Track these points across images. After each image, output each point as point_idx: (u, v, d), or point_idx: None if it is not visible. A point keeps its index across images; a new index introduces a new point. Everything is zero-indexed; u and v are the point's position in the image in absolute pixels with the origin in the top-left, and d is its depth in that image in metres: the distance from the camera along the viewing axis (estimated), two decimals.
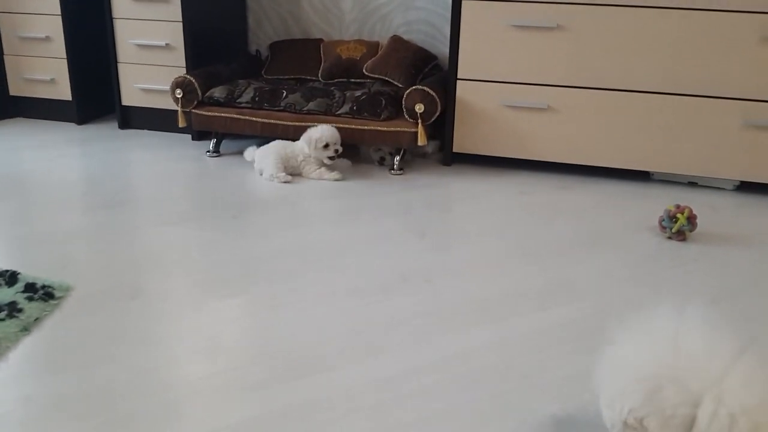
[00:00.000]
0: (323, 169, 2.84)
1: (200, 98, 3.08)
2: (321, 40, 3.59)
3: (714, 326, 1.12)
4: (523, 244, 2.24)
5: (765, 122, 2.63)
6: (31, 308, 1.72)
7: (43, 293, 1.79)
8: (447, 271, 2.02)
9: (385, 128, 2.88)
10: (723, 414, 1.02)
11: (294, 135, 2.96)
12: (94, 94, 3.72)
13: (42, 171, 2.86)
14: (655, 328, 1.17)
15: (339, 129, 2.90)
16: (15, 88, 3.65)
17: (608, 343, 1.21)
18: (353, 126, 2.90)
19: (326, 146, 2.80)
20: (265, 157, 2.83)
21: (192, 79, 3.05)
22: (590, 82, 2.76)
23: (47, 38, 3.49)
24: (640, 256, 2.16)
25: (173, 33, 3.30)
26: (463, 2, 2.80)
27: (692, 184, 2.86)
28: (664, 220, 2.29)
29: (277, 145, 2.86)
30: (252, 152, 2.92)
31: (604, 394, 1.18)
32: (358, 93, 3.01)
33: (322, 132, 2.80)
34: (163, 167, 2.96)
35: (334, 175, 2.82)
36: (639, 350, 1.14)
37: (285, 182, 2.78)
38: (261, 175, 2.84)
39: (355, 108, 2.92)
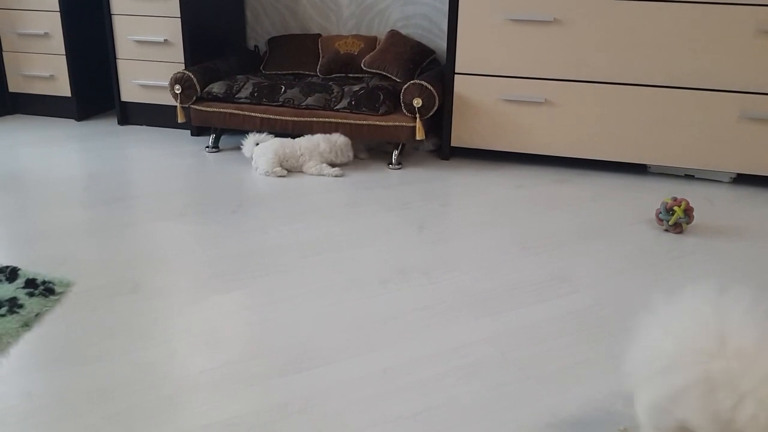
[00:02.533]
0: (324, 165, 2.85)
1: (199, 94, 3.08)
2: (319, 35, 3.59)
3: (759, 317, 1.05)
4: (521, 237, 2.25)
5: (762, 115, 2.64)
6: (31, 304, 1.74)
7: (43, 289, 1.80)
8: (445, 265, 2.04)
9: (384, 123, 2.89)
10: (764, 418, 0.97)
11: (293, 130, 2.97)
12: (93, 90, 3.72)
13: (42, 167, 2.87)
14: (695, 315, 1.08)
15: (337, 124, 2.92)
16: (14, 85, 3.65)
17: (637, 327, 1.13)
18: (351, 121, 2.91)
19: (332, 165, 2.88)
20: (262, 154, 2.84)
21: (191, 74, 3.06)
22: (587, 76, 2.77)
23: (46, 35, 3.49)
24: (637, 249, 2.17)
25: (171, 29, 3.30)
26: None
27: (689, 176, 2.87)
28: (661, 212, 2.30)
29: (276, 143, 2.86)
30: (251, 147, 2.92)
31: (646, 396, 1.09)
32: (356, 88, 3.02)
33: (331, 146, 2.87)
34: (162, 163, 2.97)
35: (335, 171, 2.83)
36: (681, 343, 1.05)
37: (280, 176, 2.79)
38: (256, 170, 2.85)
39: (353, 103, 2.92)
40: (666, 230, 2.31)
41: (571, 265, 2.05)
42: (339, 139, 2.88)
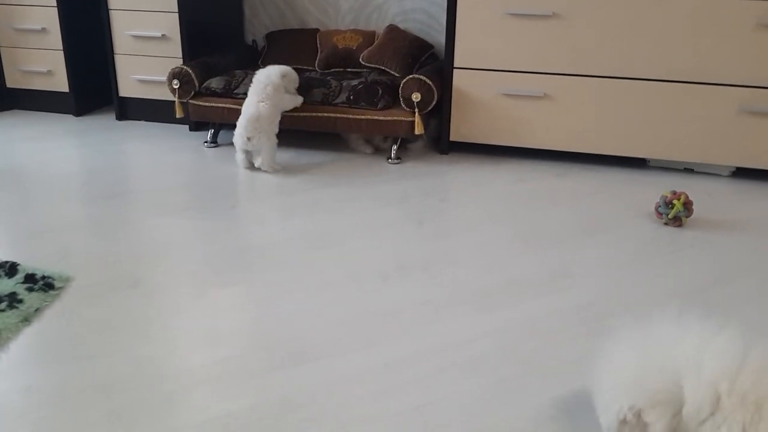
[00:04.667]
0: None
1: (197, 89, 3.07)
2: (317, 29, 3.58)
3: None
4: (521, 231, 2.25)
5: (760, 108, 2.63)
6: (31, 299, 1.73)
7: (43, 284, 1.80)
8: (445, 259, 2.04)
9: (382, 117, 2.88)
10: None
11: (291, 125, 2.96)
12: (91, 85, 3.71)
13: (40, 163, 2.87)
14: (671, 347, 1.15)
15: (336, 118, 2.91)
16: (12, 80, 3.64)
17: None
18: (350, 115, 2.91)
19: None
20: (267, 136, 2.77)
21: (189, 69, 3.05)
22: (586, 70, 2.77)
23: (43, 30, 3.48)
24: (637, 242, 2.17)
25: (169, 24, 3.29)
26: None
27: (688, 170, 2.87)
28: (660, 206, 2.30)
29: (269, 113, 2.78)
30: (241, 139, 2.76)
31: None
32: (354, 82, 3.01)
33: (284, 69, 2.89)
34: (160, 158, 2.97)
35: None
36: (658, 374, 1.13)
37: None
38: (257, 165, 2.81)
39: (351, 97, 2.92)
40: (665, 224, 2.31)
41: (571, 259, 2.05)
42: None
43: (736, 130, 2.68)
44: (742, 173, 2.82)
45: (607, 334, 1.62)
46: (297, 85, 2.95)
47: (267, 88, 2.79)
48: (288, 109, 2.90)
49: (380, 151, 3.08)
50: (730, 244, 2.18)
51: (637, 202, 2.51)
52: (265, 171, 2.79)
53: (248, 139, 2.74)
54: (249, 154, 2.82)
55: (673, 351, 1.12)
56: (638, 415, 1.09)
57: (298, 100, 2.92)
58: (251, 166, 2.83)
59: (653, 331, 1.18)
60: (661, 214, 2.30)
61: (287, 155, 3.00)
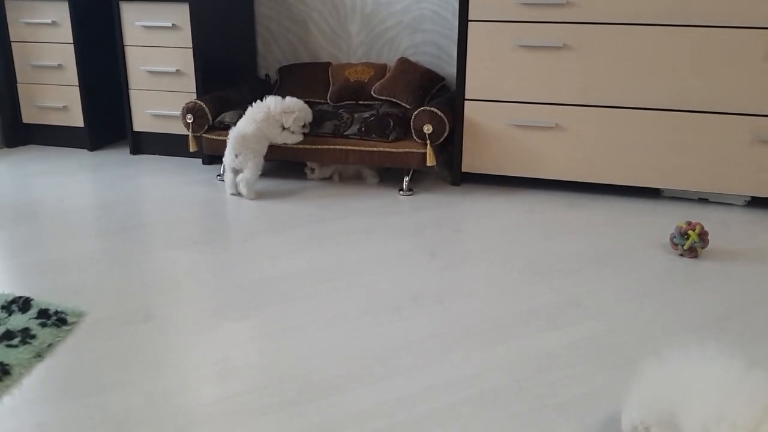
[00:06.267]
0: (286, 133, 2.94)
1: (211, 123, 3.10)
2: (329, 63, 3.62)
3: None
4: (534, 263, 2.24)
5: None
6: (44, 334, 1.73)
7: (56, 319, 1.80)
8: (458, 291, 2.02)
9: (394, 149, 2.89)
10: None
11: (303, 157, 2.98)
12: (105, 120, 3.76)
13: (55, 197, 2.89)
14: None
15: (348, 151, 2.92)
16: (28, 116, 3.69)
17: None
18: (362, 147, 2.92)
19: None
20: (253, 154, 2.85)
21: (202, 104, 3.08)
22: (598, 100, 2.77)
23: (60, 66, 3.54)
24: (651, 274, 2.15)
25: (183, 59, 3.33)
26: (469, 24, 2.82)
27: (703, 200, 2.85)
28: (675, 237, 2.28)
29: (253, 133, 2.86)
30: (230, 156, 2.88)
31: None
32: (366, 114, 3.03)
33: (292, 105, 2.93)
34: (174, 192, 2.98)
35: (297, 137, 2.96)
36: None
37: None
38: (239, 186, 2.88)
39: (363, 129, 2.93)
40: (681, 255, 2.29)
41: (585, 290, 2.03)
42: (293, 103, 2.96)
43: (750, 159, 2.67)
44: (757, 202, 2.80)
45: (622, 367, 1.60)
46: (304, 123, 2.94)
47: (258, 114, 2.88)
48: (278, 143, 2.93)
49: (386, 182, 3.09)
50: (746, 274, 2.15)
51: (651, 233, 2.49)
52: (245, 195, 2.87)
53: (236, 156, 2.85)
54: (236, 175, 2.90)
55: (680, 378, 1.20)
56: (647, 430, 1.18)
57: (293, 138, 2.93)
58: (235, 189, 2.91)
59: (676, 359, 1.25)
60: (676, 245, 2.28)
61: (298, 186, 3.01)
